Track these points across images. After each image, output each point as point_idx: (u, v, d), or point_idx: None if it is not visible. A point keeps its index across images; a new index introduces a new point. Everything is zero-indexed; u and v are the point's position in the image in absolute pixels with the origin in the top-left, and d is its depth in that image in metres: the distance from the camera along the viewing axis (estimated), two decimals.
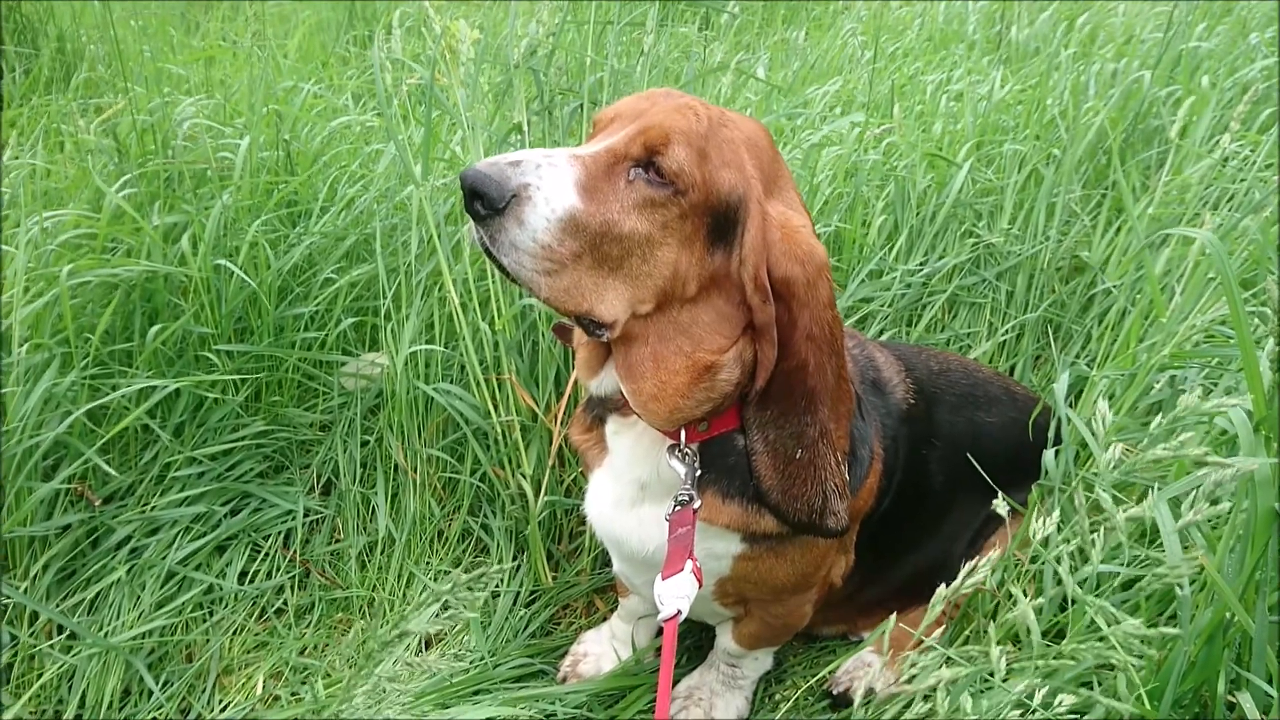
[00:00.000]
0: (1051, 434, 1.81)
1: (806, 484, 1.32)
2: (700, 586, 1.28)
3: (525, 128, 2.24)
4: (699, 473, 1.39)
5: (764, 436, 1.31)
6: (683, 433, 1.36)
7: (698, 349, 1.28)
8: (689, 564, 1.27)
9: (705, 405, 1.31)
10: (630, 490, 1.50)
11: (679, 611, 1.24)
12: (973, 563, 1.34)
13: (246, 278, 2.26)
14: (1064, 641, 1.41)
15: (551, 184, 1.16)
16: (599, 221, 1.18)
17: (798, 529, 1.38)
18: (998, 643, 1.74)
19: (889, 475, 1.66)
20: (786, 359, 1.26)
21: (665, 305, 1.26)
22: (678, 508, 1.35)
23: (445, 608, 0.83)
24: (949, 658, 1.57)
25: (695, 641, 2.02)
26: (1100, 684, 1.35)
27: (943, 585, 1.36)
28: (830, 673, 1.94)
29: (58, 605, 1.96)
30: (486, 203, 1.14)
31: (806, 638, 2.08)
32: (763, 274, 1.24)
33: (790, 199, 1.32)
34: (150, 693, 1.89)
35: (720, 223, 1.23)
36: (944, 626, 1.90)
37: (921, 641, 1.91)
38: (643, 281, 1.23)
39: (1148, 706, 1.11)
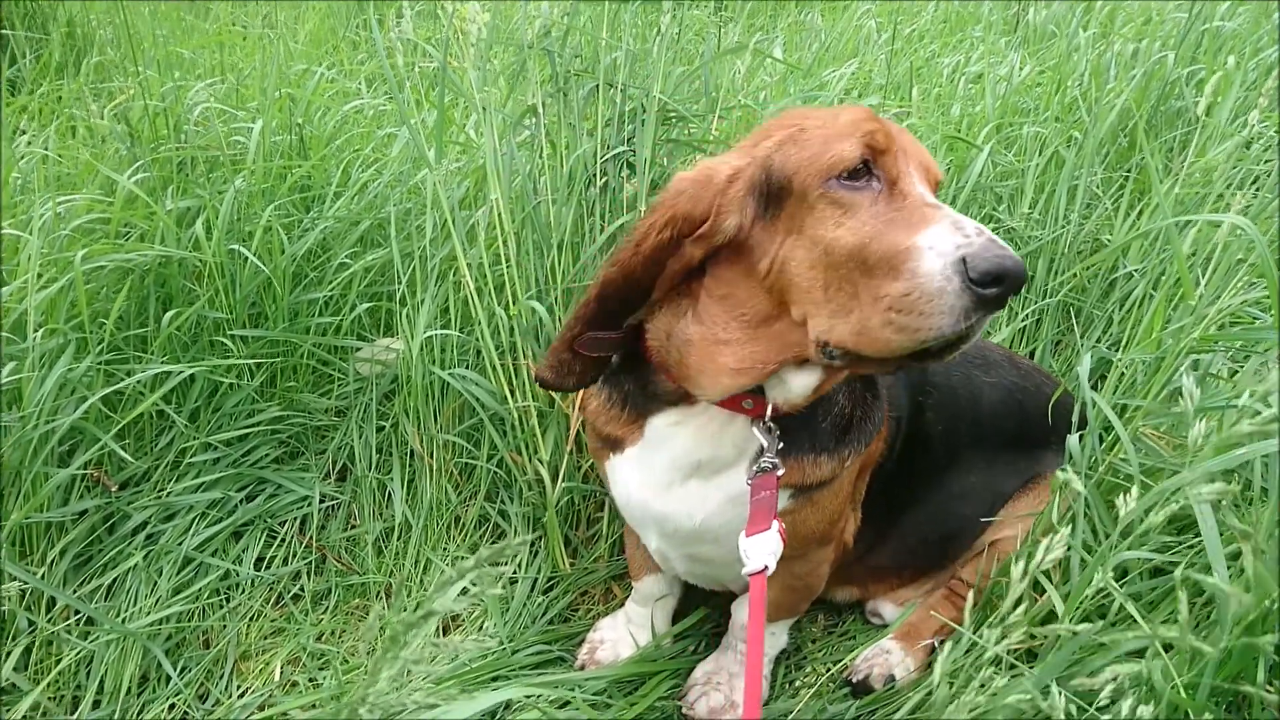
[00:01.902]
0: (1075, 418, 1.79)
1: None
2: (784, 545, 1.32)
3: (540, 110, 2.21)
4: (780, 445, 1.40)
5: None
6: (768, 407, 1.38)
7: None
8: (775, 524, 1.31)
9: None
10: (680, 472, 1.51)
11: (766, 566, 1.28)
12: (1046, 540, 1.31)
13: (260, 264, 2.25)
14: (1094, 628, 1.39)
15: None
16: None
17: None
18: (1023, 632, 1.73)
19: (895, 423, 1.69)
20: None
21: None
22: (759, 473, 1.38)
23: (465, 591, 0.81)
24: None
25: (715, 628, 2.00)
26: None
27: (1019, 563, 1.33)
28: (850, 660, 1.93)
29: (75, 591, 1.96)
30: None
31: (822, 604, 2.06)
32: None
33: None
34: (168, 678, 1.88)
35: None
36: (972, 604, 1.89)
37: (944, 626, 1.90)
38: None
39: (1183, 695, 1.09)
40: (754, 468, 1.40)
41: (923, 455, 1.80)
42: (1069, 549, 1.62)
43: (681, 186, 1.30)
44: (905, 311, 1.10)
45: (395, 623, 0.75)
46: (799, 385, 1.36)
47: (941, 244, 1.10)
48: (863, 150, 1.20)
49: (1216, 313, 1.63)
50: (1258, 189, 2.48)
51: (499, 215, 2.08)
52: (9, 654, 1.80)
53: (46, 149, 2.60)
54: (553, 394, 2.11)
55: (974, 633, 1.81)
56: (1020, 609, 1.23)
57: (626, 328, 1.43)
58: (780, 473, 1.39)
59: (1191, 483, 1.14)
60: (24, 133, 3.00)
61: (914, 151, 1.26)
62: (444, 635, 1.94)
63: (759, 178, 1.27)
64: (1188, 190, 2.45)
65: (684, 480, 1.51)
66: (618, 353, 1.49)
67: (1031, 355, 2.59)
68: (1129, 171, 2.81)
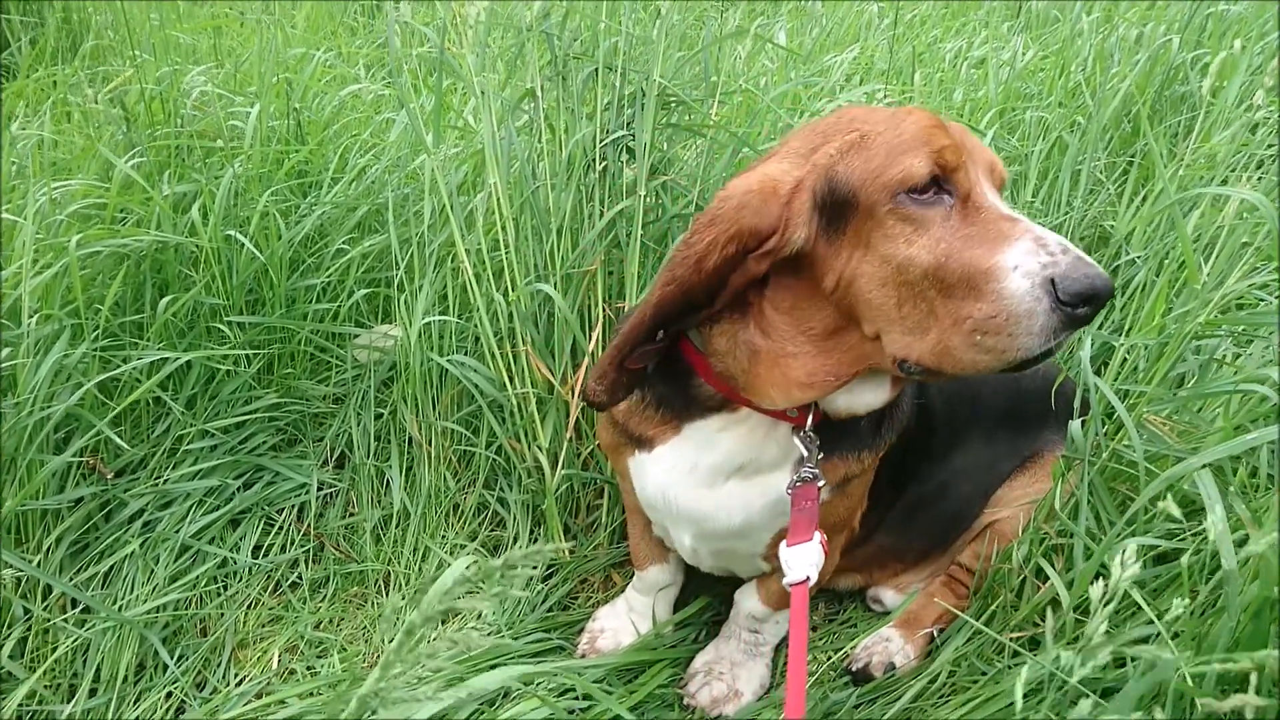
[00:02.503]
0: (1078, 404, 1.77)
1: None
2: (826, 556, 1.33)
3: (539, 94, 2.19)
4: (821, 455, 1.40)
5: None
6: (810, 416, 1.37)
7: None
8: (817, 535, 1.32)
9: None
10: (722, 475, 1.50)
11: (808, 577, 1.28)
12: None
13: (256, 250, 2.23)
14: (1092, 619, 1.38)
15: None
16: None
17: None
18: (1024, 618, 1.72)
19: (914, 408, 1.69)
20: None
21: None
22: (800, 483, 1.37)
23: (474, 592, 0.80)
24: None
25: (715, 616, 1.99)
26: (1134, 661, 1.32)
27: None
28: (850, 648, 1.92)
29: (71, 579, 1.95)
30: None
31: (824, 592, 2.06)
32: None
33: None
34: (165, 666, 1.87)
35: None
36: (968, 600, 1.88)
37: (944, 614, 1.90)
38: None
39: (1189, 684, 1.08)
40: (795, 478, 1.39)
41: (925, 435, 1.78)
42: (1072, 537, 1.60)
43: (745, 200, 1.23)
44: (991, 333, 1.09)
45: (412, 619, 0.74)
46: (871, 397, 1.35)
47: (1027, 263, 1.07)
48: (932, 168, 1.16)
49: (1221, 297, 1.61)
50: (1262, 174, 2.45)
51: (497, 200, 2.06)
52: (4, 642, 1.79)
53: (42, 133, 2.57)
54: (551, 381, 2.10)
55: (977, 620, 1.81)
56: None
57: (667, 336, 1.40)
58: (821, 484, 1.39)
59: (1198, 468, 1.12)
60: (18, 117, 2.97)
61: (980, 156, 1.22)
62: (441, 625, 1.92)
63: (822, 189, 1.21)
64: (1192, 173, 2.43)
65: (724, 481, 1.51)
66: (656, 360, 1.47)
67: None
68: (1133, 157, 2.79)
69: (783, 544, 1.34)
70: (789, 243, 1.23)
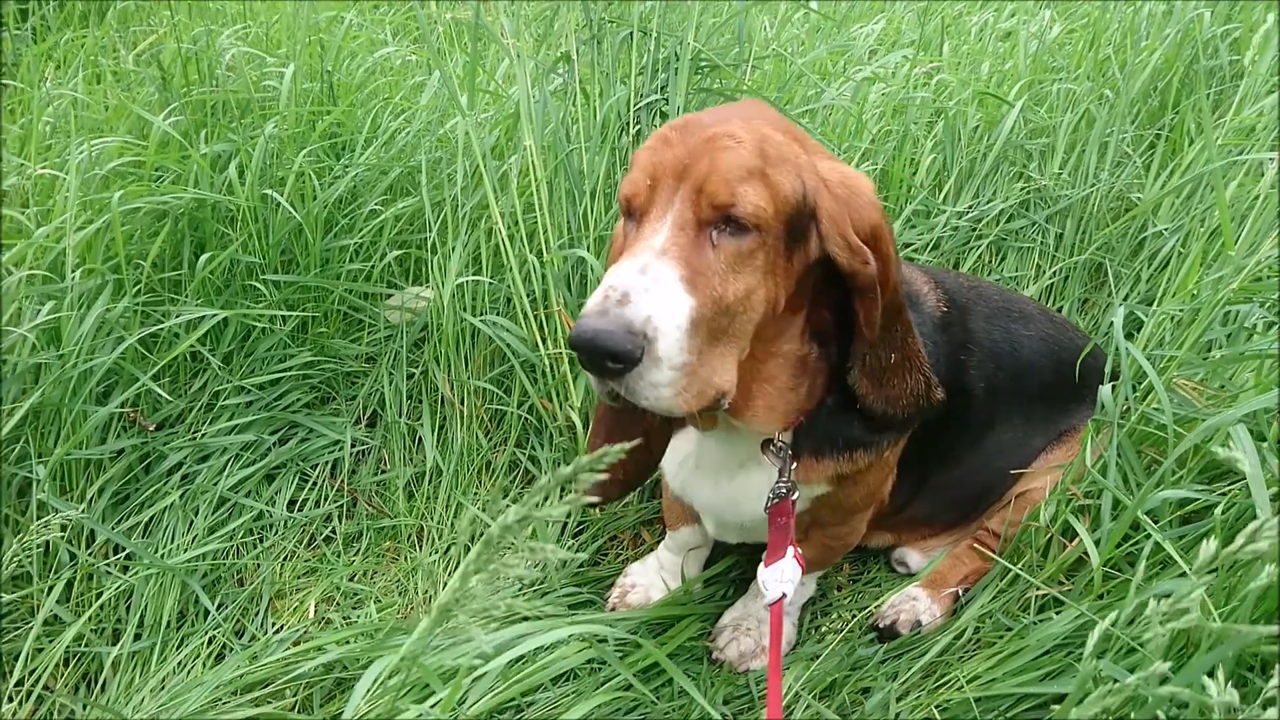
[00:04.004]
0: (1108, 371, 1.80)
1: (905, 378, 1.35)
2: (803, 571, 1.35)
3: (574, 56, 2.21)
4: (794, 465, 1.42)
5: (861, 365, 1.32)
6: (777, 432, 1.40)
7: (784, 345, 1.31)
8: (790, 551, 1.33)
9: (804, 386, 1.36)
10: (726, 471, 1.53)
11: (784, 595, 1.30)
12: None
13: (292, 210, 2.25)
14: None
15: (667, 302, 1.10)
16: (711, 305, 1.14)
17: (910, 421, 1.43)
18: (1050, 577, 1.75)
19: None
20: (885, 292, 1.25)
21: (758, 334, 1.25)
22: (775, 500, 1.39)
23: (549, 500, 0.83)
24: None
25: (743, 574, 2.03)
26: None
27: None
28: (876, 607, 1.95)
29: (113, 528, 1.99)
30: (621, 358, 1.07)
31: (853, 551, 2.09)
32: (851, 237, 1.22)
33: (820, 150, 1.30)
34: (206, 613, 1.92)
35: (795, 226, 1.21)
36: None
37: (970, 574, 1.93)
38: (745, 331, 1.21)
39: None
40: (770, 495, 1.40)
41: (963, 413, 1.79)
42: (1099, 497, 1.63)
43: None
44: None
45: (495, 526, 0.76)
46: None
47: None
48: (622, 194, 1.24)
49: (1255, 264, 1.63)
50: None
51: (531, 162, 2.09)
52: (53, 587, 1.84)
53: (75, 92, 2.60)
54: None
55: (1001, 580, 1.84)
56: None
57: None
58: (795, 498, 1.40)
59: (1234, 421, 1.15)
60: (48, 78, 3.00)
61: (693, 174, 1.19)
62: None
63: None
64: (1224, 145, 2.44)
65: (735, 475, 1.53)
66: None
67: (1059, 312, 2.59)
68: (1160, 130, 2.79)
69: (760, 566, 1.36)
70: None
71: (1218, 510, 1.17)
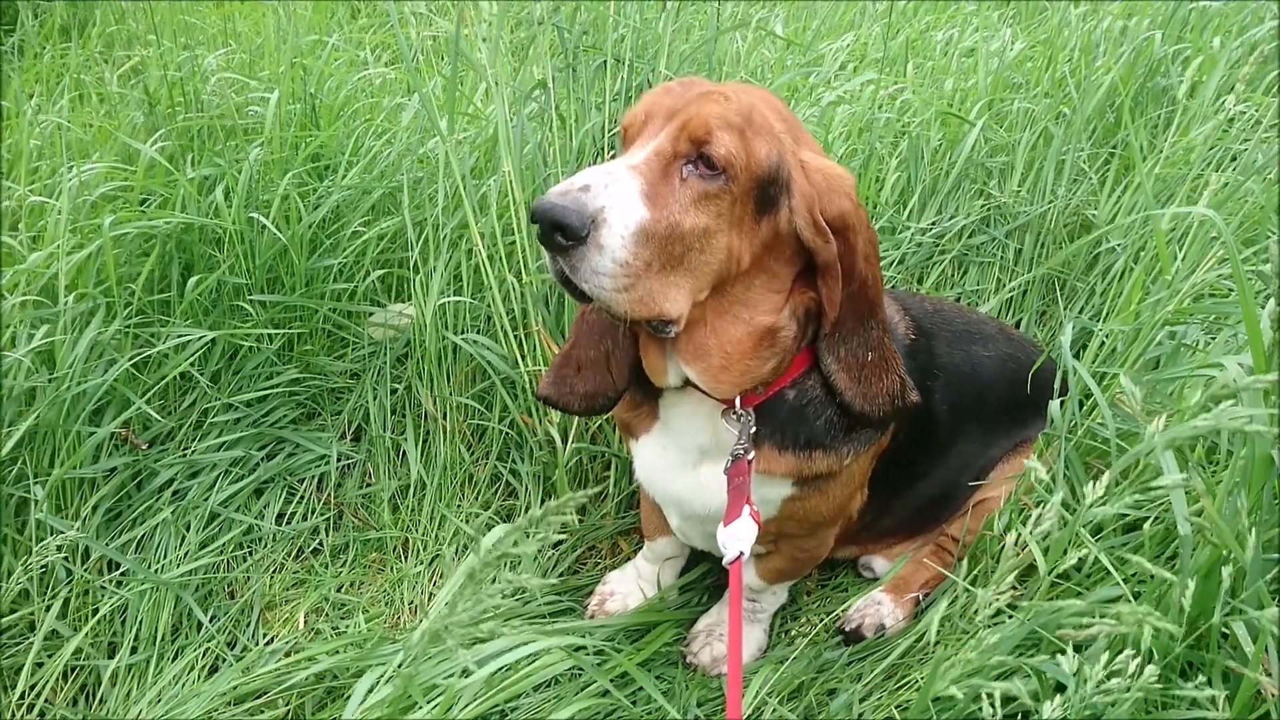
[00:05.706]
0: (1057, 385, 1.90)
1: (882, 378, 1.46)
2: (759, 529, 1.41)
3: (550, 84, 2.29)
4: (754, 429, 1.48)
5: (836, 356, 1.43)
6: (738, 398, 1.46)
7: (755, 314, 1.39)
8: (747, 509, 1.39)
9: (771, 363, 1.43)
10: (690, 455, 1.60)
11: (742, 554, 1.36)
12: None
13: (277, 232, 2.32)
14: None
15: (621, 201, 1.20)
16: (665, 226, 1.24)
17: (887, 421, 1.52)
18: (999, 580, 1.85)
19: None
20: (850, 282, 1.37)
21: (721, 284, 1.35)
22: (733, 461, 1.46)
23: (527, 536, 0.92)
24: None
25: (716, 581, 2.12)
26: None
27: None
28: (843, 611, 2.05)
29: (107, 545, 2.06)
30: (569, 234, 1.18)
31: (823, 563, 2.18)
32: (818, 217, 1.33)
33: (811, 144, 1.41)
34: (199, 626, 1.99)
35: (766, 192, 1.31)
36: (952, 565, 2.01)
37: (931, 580, 2.03)
38: (702, 271, 1.30)
39: (1153, 640, 1.21)
40: (729, 456, 1.48)
41: (930, 435, 1.88)
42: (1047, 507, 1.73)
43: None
44: None
45: (471, 563, 0.85)
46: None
47: None
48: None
49: (1191, 286, 1.74)
50: (1236, 168, 2.58)
51: (510, 185, 2.17)
52: (51, 603, 1.91)
53: (61, 117, 2.65)
54: None
55: (963, 585, 1.94)
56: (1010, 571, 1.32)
57: None
58: (750, 457, 1.47)
59: (1161, 445, 1.25)
60: (31, 96, 3.04)
61: (679, 113, 1.30)
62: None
63: None
64: (1170, 169, 2.55)
65: (696, 465, 1.60)
66: None
67: (1018, 325, 2.70)
68: (1114, 148, 2.91)
69: (719, 526, 1.42)
70: None
71: (1146, 525, 1.27)
